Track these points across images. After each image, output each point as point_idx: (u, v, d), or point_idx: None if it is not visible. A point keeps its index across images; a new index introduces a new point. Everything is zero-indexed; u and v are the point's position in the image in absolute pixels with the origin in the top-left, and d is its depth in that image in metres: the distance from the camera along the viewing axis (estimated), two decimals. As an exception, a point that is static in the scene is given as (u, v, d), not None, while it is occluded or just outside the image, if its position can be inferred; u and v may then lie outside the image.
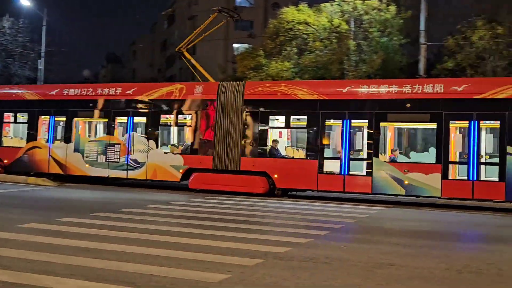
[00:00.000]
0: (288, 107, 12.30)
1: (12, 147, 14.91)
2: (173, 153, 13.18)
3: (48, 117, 14.43)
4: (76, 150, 13.89)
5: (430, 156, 11.36)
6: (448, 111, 10.96)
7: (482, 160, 10.92)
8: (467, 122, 10.94)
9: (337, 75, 19.86)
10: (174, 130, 14.31)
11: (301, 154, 12.69)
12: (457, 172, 11.29)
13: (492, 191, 10.85)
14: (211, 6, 17.87)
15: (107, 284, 3.87)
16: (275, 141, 12.58)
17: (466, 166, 10.95)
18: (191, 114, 13.31)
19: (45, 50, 25.54)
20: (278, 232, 7.30)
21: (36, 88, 16.98)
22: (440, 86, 11.08)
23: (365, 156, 11.75)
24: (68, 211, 8.60)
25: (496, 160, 10.83)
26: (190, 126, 13.34)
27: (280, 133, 13.35)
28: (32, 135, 14.49)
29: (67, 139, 14.12)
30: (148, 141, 13.25)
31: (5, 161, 14.44)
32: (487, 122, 11.34)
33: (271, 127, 12.77)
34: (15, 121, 15.33)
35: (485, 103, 10.79)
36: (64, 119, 14.34)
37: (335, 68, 20.24)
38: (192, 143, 13.24)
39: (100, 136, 14.42)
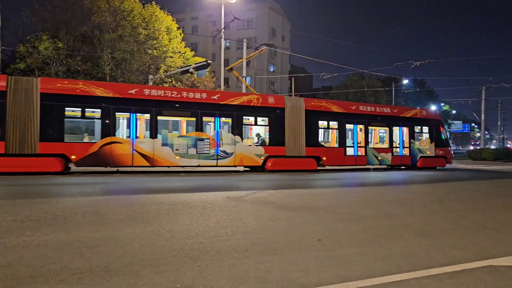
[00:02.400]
0: (328, 116, 19.41)
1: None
2: (255, 145, 17.61)
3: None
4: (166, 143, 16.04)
5: (387, 144, 21.47)
6: (392, 122, 21.57)
7: (404, 145, 21.80)
8: (399, 127, 21.75)
9: None
10: (254, 128, 18.58)
11: (336, 144, 19.83)
12: (396, 152, 21.56)
13: (407, 160, 21.95)
14: None
15: None
16: (321, 136, 20.10)
17: (399, 149, 21.66)
18: (267, 117, 17.93)
19: None
20: None
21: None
22: (388, 109, 22.26)
23: (363, 145, 20.29)
24: None
25: (408, 145, 21.92)
26: (267, 125, 18.05)
27: (328, 132, 20.64)
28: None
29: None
30: (234, 136, 17.01)
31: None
32: (404, 127, 21.94)
33: (320, 128, 19.56)
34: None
35: (406, 119, 22.01)
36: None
37: None
38: (270, 138, 17.92)
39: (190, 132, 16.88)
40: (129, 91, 15.56)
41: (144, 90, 15.85)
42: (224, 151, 16.71)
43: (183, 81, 30.10)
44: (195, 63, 26.87)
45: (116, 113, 15.23)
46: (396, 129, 21.63)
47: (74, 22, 26.70)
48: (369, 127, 20.79)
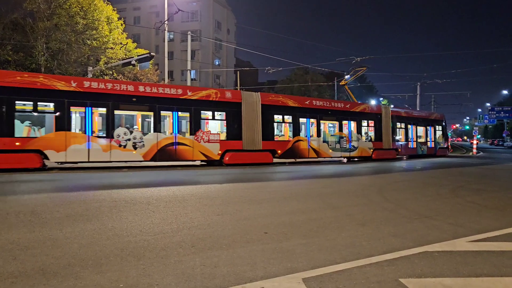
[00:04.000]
0: (400, 119, 26.31)
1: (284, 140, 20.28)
2: (367, 141, 23.83)
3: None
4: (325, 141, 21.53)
5: (424, 139, 28.62)
6: (427, 122, 29.13)
7: (432, 140, 29.23)
8: (429, 126, 29.22)
9: None
10: (367, 128, 24.21)
11: (404, 140, 26.61)
12: (429, 145, 29.04)
13: (433, 151, 29.29)
14: None
15: None
16: (397, 134, 26.02)
17: (429, 142, 29.06)
18: (373, 120, 24.31)
19: None
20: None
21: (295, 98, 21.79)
22: (424, 113, 31.70)
23: (415, 140, 27.59)
24: None
25: (433, 139, 29.30)
26: (373, 126, 24.32)
27: (400, 131, 26.45)
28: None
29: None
30: (358, 135, 23.08)
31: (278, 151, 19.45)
32: (432, 127, 29.60)
33: (397, 128, 26.05)
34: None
35: (432, 120, 30.19)
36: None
37: None
38: (375, 136, 24.29)
39: (335, 132, 22.47)
40: (305, 102, 21.16)
41: (313, 101, 21.80)
42: (353, 146, 22.76)
43: (125, 74, 29.07)
44: (138, 55, 26.00)
45: (300, 118, 20.46)
46: (428, 128, 29.15)
47: (3, 8, 24.82)
48: (418, 127, 28.03)
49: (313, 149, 20.68)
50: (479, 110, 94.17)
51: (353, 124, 23.00)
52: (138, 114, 16.95)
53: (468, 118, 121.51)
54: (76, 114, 15.42)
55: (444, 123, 31.53)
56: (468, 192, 10.04)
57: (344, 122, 22.69)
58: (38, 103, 14.36)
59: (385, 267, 3.97)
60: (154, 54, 25.92)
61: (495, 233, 5.56)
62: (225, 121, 18.08)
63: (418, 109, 46.49)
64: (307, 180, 12.99)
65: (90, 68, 26.15)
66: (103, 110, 15.37)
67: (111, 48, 26.62)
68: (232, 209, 7.00)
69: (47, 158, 14.10)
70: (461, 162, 24.74)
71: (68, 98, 14.51)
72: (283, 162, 20.53)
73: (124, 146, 15.29)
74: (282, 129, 21.35)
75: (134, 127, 16.72)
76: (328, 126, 22.72)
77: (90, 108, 14.90)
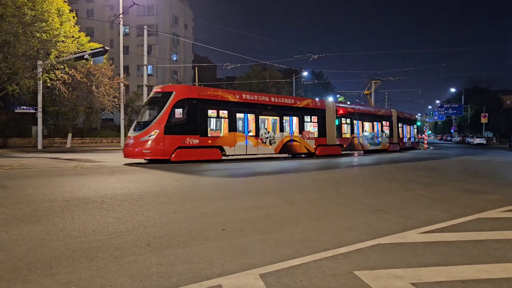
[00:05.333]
0: (403, 121, 34.76)
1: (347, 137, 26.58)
2: (386, 137, 30.97)
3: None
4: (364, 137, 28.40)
5: (409, 135, 36.80)
6: (411, 122, 37.73)
7: (413, 136, 38.04)
8: (413, 125, 38.60)
9: None
10: (392, 128, 32.08)
11: (402, 136, 34.06)
12: (413, 140, 37.97)
13: (415, 145, 38.32)
14: None
15: None
16: (399, 132, 33.36)
17: (412, 138, 37.72)
18: (388, 121, 31.63)
19: None
20: None
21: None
22: (409, 114, 39.21)
23: (405, 136, 35.24)
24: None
25: (415, 136, 39.31)
26: (387, 126, 31.46)
27: (400, 129, 33.94)
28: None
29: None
30: (381, 132, 30.51)
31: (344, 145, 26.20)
32: (413, 125, 38.59)
33: (399, 127, 33.31)
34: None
35: (413, 120, 39.30)
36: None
37: None
38: (388, 134, 31.48)
39: (370, 130, 29.25)
40: (356, 108, 28.71)
41: (360, 107, 30.75)
42: (379, 141, 29.78)
43: (78, 69, 28.01)
44: (91, 49, 25.17)
45: (354, 120, 26.79)
46: (411, 126, 37.20)
47: None
48: (407, 125, 35.86)
49: (360, 143, 27.39)
50: (430, 107, 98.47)
51: (379, 124, 30.17)
52: (270, 118, 21.30)
53: (419, 114, 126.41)
54: (238, 119, 19.62)
55: (416, 121, 40.69)
56: (418, 185, 10.48)
57: (375, 123, 29.65)
58: (219, 110, 18.60)
59: (340, 260, 4.07)
60: (108, 48, 25.20)
61: (443, 224, 5.83)
62: (316, 123, 23.58)
63: (373, 105, 47.99)
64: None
65: (39, 62, 25.03)
66: (252, 116, 20.09)
67: (63, 41, 25.46)
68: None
69: (223, 152, 18.48)
70: (413, 156, 25.80)
71: (234, 106, 19.18)
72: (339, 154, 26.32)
73: (265, 143, 20.39)
74: (345, 128, 26.40)
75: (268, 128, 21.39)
76: (366, 126, 28.63)
77: (246, 114, 19.79)
